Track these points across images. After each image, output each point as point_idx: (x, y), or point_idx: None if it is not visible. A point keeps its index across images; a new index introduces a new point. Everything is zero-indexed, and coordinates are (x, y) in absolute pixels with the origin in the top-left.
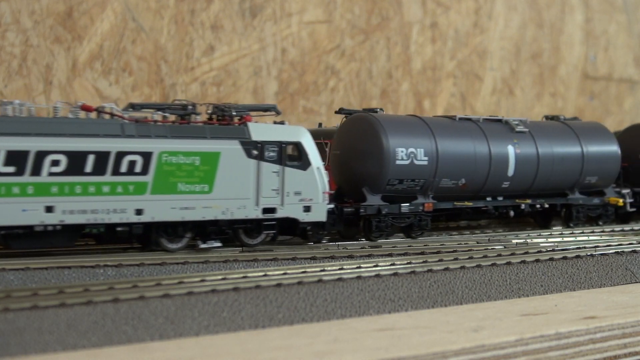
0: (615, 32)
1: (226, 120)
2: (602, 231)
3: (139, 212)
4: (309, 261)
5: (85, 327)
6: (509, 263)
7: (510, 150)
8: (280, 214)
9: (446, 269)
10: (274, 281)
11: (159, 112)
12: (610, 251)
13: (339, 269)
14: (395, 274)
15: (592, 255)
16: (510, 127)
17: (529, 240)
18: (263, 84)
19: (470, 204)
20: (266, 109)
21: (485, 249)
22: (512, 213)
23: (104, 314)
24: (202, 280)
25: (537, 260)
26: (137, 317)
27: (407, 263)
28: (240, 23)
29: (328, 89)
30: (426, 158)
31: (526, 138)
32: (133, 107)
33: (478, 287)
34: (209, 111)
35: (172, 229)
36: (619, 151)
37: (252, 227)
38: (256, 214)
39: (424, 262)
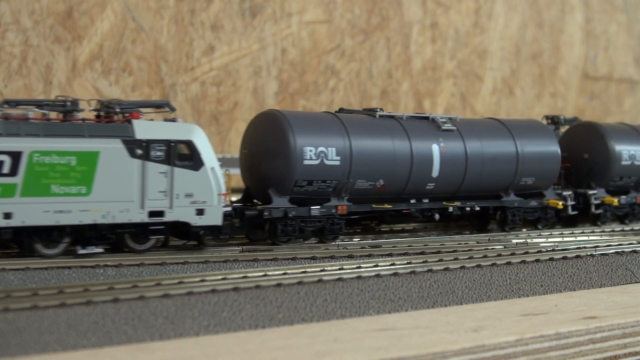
0: (615, 32)
1: (110, 117)
2: (602, 231)
3: (7, 215)
4: (309, 261)
5: (85, 327)
6: (509, 263)
7: (435, 149)
8: (169, 217)
9: (446, 269)
10: (274, 281)
11: (37, 109)
12: (610, 251)
13: (339, 269)
14: (395, 274)
15: (592, 255)
16: (436, 125)
17: (529, 240)
18: (263, 84)
19: (390, 206)
20: (159, 105)
21: (485, 249)
22: (437, 216)
23: (104, 314)
24: (202, 280)
25: (537, 260)
26: (137, 317)
27: (407, 263)
28: (240, 23)
29: (328, 89)
30: (338, 158)
31: (453, 136)
32: (8, 103)
33: (478, 287)
34: (95, 107)
35: (47, 234)
36: (559, 151)
37: (137, 231)
38: (141, 217)
39: (424, 262)
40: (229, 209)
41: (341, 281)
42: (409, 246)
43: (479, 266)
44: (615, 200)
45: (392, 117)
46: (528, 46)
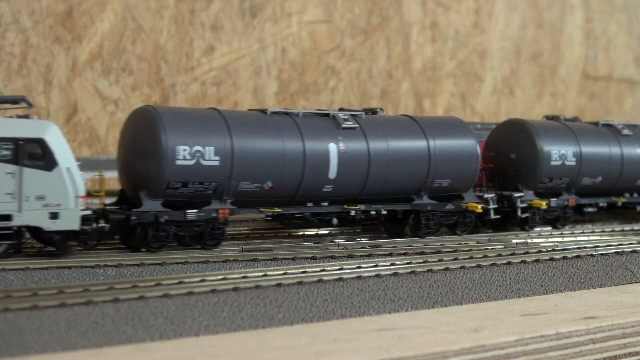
0: (615, 32)
1: None
2: (602, 231)
3: None
4: (309, 261)
5: (85, 327)
6: (509, 263)
7: (332, 148)
8: (17, 221)
9: (446, 269)
10: (274, 281)
11: None
12: (610, 251)
13: (339, 269)
14: (395, 274)
15: (592, 255)
16: (336, 123)
17: (529, 240)
18: (263, 84)
19: (280, 210)
20: (14, 100)
21: (485, 249)
22: (334, 221)
23: (104, 314)
24: (202, 280)
25: (537, 260)
26: (137, 317)
27: (407, 263)
28: (240, 23)
29: (328, 89)
30: (217, 158)
31: (355, 135)
32: None
33: (478, 287)
34: None
35: None
36: (478, 150)
37: None
38: None
39: (424, 262)
40: (88, 212)
41: (341, 281)
42: (409, 246)
43: (479, 266)
44: (543, 203)
45: (286, 114)
46: (528, 46)
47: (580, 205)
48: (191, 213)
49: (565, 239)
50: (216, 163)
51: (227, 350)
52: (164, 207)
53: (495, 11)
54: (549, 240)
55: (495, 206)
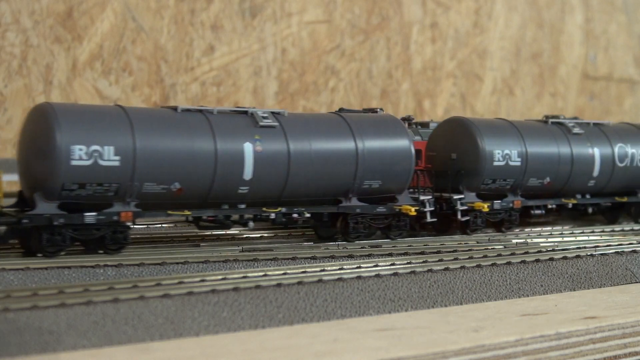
0: (615, 32)
1: None
2: (602, 231)
3: None
4: (309, 261)
5: (85, 327)
6: (509, 263)
7: (248, 148)
8: None
9: (446, 269)
10: (274, 281)
11: None
12: (610, 251)
13: (339, 269)
14: (395, 274)
15: (592, 255)
16: (254, 121)
17: (529, 240)
18: (263, 84)
19: (189, 213)
20: None
21: (485, 249)
22: (251, 224)
23: (104, 314)
24: (202, 280)
25: (537, 260)
26: (137, 317)
27: (407, 263)
28: (240, 23)
29: (328, 89)
30: (117, 158)
31: (274, 134)
32: None
33: (478, 287)
34: None
35: None
36: (412, 150)
37: None
38: None
39: (424, 262)
40: None
41: (341, 281)
42: (409, 246)
43: (479, 266)
44: (485, 206)
45: (199, 111)
46: (528, 46)
47: (527, 207)
48: (90, 216)
49: (565, 239)
50: (116, 163)
51: (227, 350)
52: (61, 210)
53: (495, 11)
54: (549, 240)
55: (432, 209)
